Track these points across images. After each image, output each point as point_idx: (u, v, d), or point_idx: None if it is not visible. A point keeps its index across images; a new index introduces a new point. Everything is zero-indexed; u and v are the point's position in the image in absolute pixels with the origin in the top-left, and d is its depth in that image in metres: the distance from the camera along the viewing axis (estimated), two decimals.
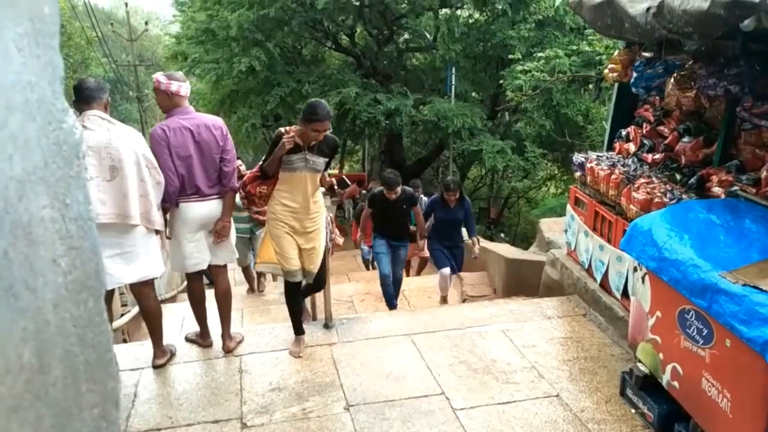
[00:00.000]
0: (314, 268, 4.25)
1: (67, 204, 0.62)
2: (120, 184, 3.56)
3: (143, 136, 3.91)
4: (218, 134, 4.03)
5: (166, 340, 4.30)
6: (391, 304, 6.42)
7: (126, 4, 28.46)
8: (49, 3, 0.56)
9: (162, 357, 4.15)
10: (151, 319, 4.08)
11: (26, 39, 0.55)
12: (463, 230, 7.12)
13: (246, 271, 7.84)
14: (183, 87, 3.97)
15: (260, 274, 7.87)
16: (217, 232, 4.17)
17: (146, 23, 30.00)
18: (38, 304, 0.58)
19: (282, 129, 4.00)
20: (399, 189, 6.06)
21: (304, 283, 4.35)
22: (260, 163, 4.18)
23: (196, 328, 4.46)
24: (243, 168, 6.88)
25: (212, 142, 4.00)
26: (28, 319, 0.57)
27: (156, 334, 4.12)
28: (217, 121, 4.12)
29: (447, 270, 6.70)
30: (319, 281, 4.41)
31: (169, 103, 3.99)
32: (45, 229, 0.59)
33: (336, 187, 4.48)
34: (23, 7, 0.54)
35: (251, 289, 7.90)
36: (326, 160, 4.13)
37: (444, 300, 6.86)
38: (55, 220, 0.61)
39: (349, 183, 4.64)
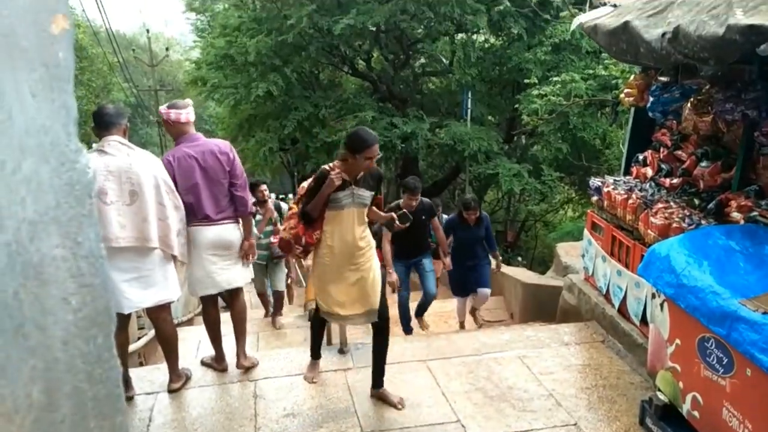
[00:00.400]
0: (372, 303, 3.85)
1: (78, 242, 0.63)
2: (140, 207, 3.61)
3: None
4: (224, 159, 4.08)
5: (182, 363, 4.31)
6: (407, 329, 6.34)
7: (148, 31, 29.12)
8: (63, 48, 0.58)
9: (177, 381, 4.15)
10: (167, 343, 4.09)
11: (41, 84, 0.56)
12: None
13: (262, 297, 7.73)
14: (182, 114, 4.05)
15: (278, 304, 7.78)
16: (245, 253, 4.30)
17: (167, 49, 30.61)
18: (48, 342, 0.59)
19: (325, 167, 3.74)
20: (419, 198, 5.87)
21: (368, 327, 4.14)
22: (293, 208, 3.96)
23: (212, 351, 4.47)
24: (266, 192, 6.87)
25: (218, 168, 4.05)
26: (38, 357, 0.58)
27: (172, 358, 4.13)
28: (223, 146, 4.16)
29: (462, 299, 6.71)
30: (384, 317, 3.95)
31: (175, 131, 4.11)
32: (56, 268, 0.61)
33: (397, 222, 4.04)
34: (39, 53, 0.56)
35: (267, 314, 7.82)
36: (372, 193, 3.86)
37: (462, 326, 6.78)
38: (67, 258, 0.62)
39: (410, 217, 4.27)
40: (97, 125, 3.68)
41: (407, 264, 6.22)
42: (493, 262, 6.68)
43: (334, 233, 3.76)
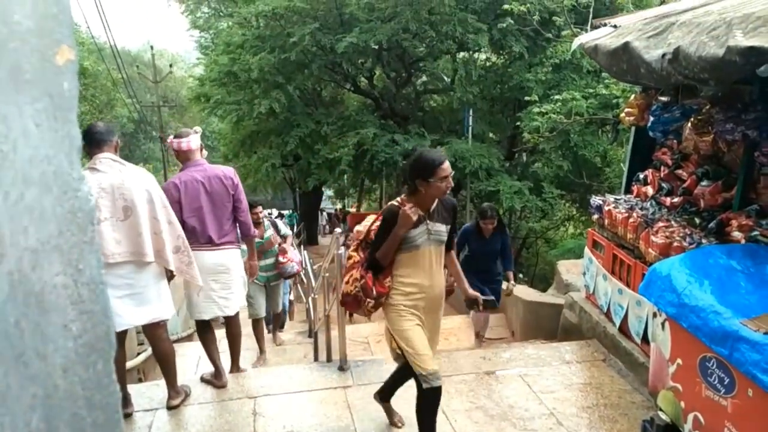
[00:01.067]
0: (434, 348, 3.54)
1: (80, 269, 0.63)
2: (134, 223, 3.63)
3: (167, 175, 4.06)
4: (229, 184, 4.32)
5: (182, 379, 4.34)
6: None
7: (152, 47, 29.30)
8: (68, 79, 0.59)
9: (176, 398, 4.13)
10: (164, 360, 4.09)
11: (44, 114, 0.57)
12: None
13: (257, 325, 6.33)
14: (184, 142, 4.31)
15: (277, 325, 7.52)
16: (250, 273, 4.65)
17: (171, 65, 30.75)
18: (48, 370, 0.59)
19: (393, 203, 3.31)
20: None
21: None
22: (352, 257, 3.51)
23: (211, 368, 4.48)
24: (262, 213, 6.38)
25: (223, 192, 4.28)
26: (38, 385, 0.57)
27: (170, 375, 4.13)
28: (228, 171, 4.39)
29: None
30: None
31: (181, 157, 4.38)
32: (57, 295, 0.61)
33: (480, 306, 3.66)
34: (43, 84, 0.56)
35: (261, 352, 6.28)
36: (448, 227, 3.38)
37: (478, 336, 6.39)
38: (68, 286, 0.62)
39: (497, 303, 3.72)
40: (89, 143, 3.70)
41: None
42: (505, 284, 6.12)
43: (409, 277, 3.28)
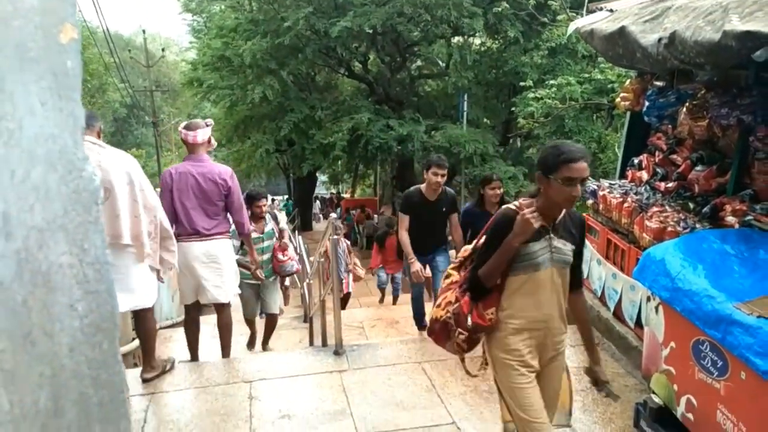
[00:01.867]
0: (564, 403, 2.90)
1: (85, 249, 0.63)
2: (112, 205, 3.62)
3: (160, 160, 4.08)
4: (222, 185, 4.39)
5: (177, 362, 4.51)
6: (421, 323, 5.58)
7: (144, 31, 29.03)
8: (71, 57, 0.59)
9: (151, 372, 4.24)
10: (145, 337, 4.21)
11: (49, 93, 0.57)
12: None
13: (250, 326, 6.11)
14: (191, 135, 4.36)
15: (269, 329, 6.39)
16: (254, 270, 4.92)
17: (163, 50, 30.51)
18: (55, 349, 0.60)
19: (510, 206, 2.59)
20: (444, 177, 5.00)
21: None
22: (451, 275, 2.86)
23: (205, 352, 4.58)
24: (266, 207, 5.86)
25: (214, 192, 4.36)
26: (45, 364, 0.58)
27: (147, 353, 4.26)
28: (224, 172, 4.45)
29: None
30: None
31: (188, 148, 4.47)
32: (63, 275, 0.61)
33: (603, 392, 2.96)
34: (47, 62, 0.56)
35: (252, 341, 6.23)
36: (574, 247, 2.59)
37: None
38: (73, 265, 0.62)
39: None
40: None
41: (423, 260, 5.30)
42: None
43: (524, 310, 2.54)
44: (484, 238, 2.65)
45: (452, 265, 2.92)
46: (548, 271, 2.50)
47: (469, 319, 2.58)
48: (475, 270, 2.58)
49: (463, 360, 2.75)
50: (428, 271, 5.76)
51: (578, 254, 2.64)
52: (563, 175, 2.35)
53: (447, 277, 2.87)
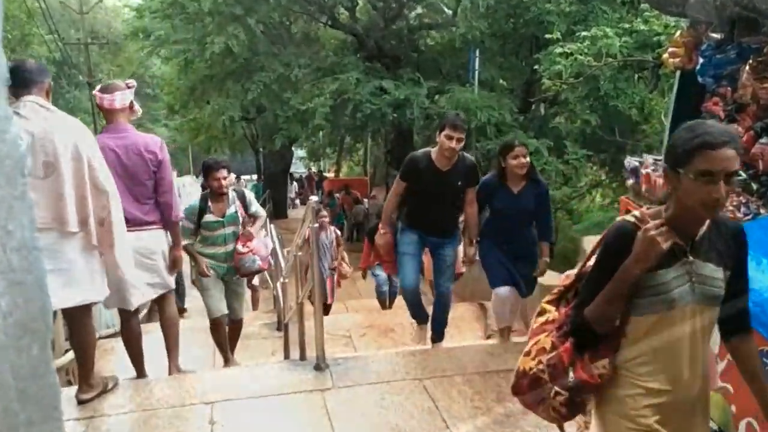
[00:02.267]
0: None
1: (9, 231, 0.62)
2: (55, 182, 3.62)
3: (97, 130, 4.06)
4: (151, 158, 4.38)
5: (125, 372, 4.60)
6: (421, 316, 5.49)
7: None
8: None
9: (89, 391, 4.22)
10: (83, 350, 4.19)
11: None
12: None
13: (217, 328, 5.71)
14: (107, 99, 4.34)
15: (234, 338, 6.22)
16: (173, 265, 4.71)
17: None
18: None
19: (628, 217, 2.24)
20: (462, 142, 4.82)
21: None
22: (546, 312, 2.58)
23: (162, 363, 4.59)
24: (225, 180, 5.62)
25: (141, 167, 4.35)
26: None
27: (85, 368, 4.23)
28: (153, 143, 4.45)
29: (505, 290, 5.22)
30: None
31: (106, 117, 4.46)
32: None
33: None
34: None
35: (226, 360, 5.81)
36: (728, 273, 2.21)
37: (503, 335, 5.56)
38: None
39: None
40: (14, 83, 3.67)
41: (424, 239, 5.19)
42: (540, 261, 5.32)
43: (651, 363, 2.20)
44: (592, 261, 2.36)
45: (547, 298, 2.61)
46: (688, 308, 2.15)
47: (571, 375, 2.28)
48: (581, 307, 2.28)
49: (561, 430, 2.51)
50: (431, 272, 5.76)
51: (737, 281, 2.24)
52: (699, 167, 1.98)
53: (540, 314, 2.58)
